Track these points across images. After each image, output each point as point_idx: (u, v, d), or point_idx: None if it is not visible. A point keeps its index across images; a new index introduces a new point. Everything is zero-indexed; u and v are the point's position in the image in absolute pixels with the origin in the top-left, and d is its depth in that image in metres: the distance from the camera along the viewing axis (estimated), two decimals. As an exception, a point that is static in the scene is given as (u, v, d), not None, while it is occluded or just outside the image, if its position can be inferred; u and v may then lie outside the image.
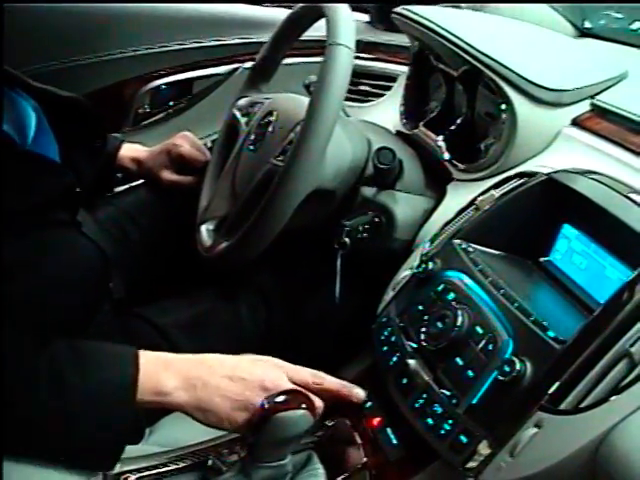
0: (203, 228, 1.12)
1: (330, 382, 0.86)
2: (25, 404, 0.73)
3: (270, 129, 1.12)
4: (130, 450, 0.78)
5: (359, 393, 0.88)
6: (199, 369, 0.81)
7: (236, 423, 0.81)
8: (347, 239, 1.05)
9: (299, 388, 0.83)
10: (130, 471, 0.85)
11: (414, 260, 0.99)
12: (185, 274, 1.19)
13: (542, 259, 0.95)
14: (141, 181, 1.36)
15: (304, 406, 0.78)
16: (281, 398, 0.79)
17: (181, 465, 0.88)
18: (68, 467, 0.77)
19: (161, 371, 0.79)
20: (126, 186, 1.38)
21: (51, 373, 0.74)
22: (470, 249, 0.93)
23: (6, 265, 0.83)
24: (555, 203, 0.92)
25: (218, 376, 0.80)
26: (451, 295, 0.87)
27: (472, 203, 0.99)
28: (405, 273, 0.99)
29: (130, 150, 1.32)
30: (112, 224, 1.24)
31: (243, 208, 1.05)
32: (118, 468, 0.79)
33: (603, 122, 1.01)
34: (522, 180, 0.96)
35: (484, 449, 0.76)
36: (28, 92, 0.95)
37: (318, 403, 0.83)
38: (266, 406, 0.78)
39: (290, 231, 0.98)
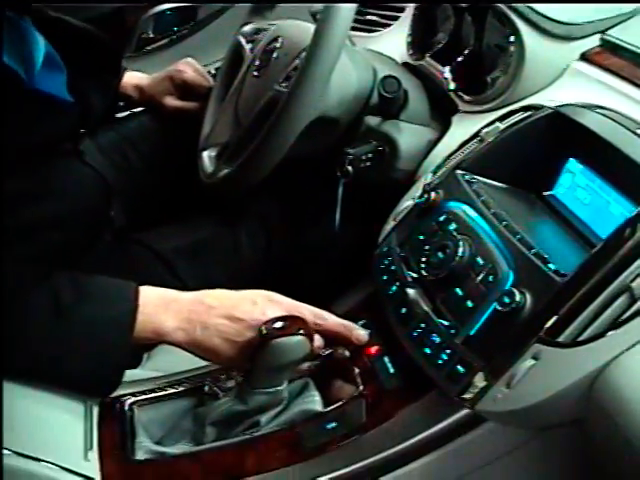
0: (205, 155, 1.11)
1: (331, 322, 0.85)
2: (26, 333, 0.73)
3: (275, 55, 1.10)
4: (127, 374, 0.78)
5: (360, 334, 0.87)
6: (198, 309, 0.80)
7: (235, 362, 0.80)
8: (350, 167, 1.03)
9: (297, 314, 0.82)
10: (126, 395, 0.85)
11: (416, 190, 0.98)
12: (186, 201, 1.18)
13: (545, 193, 0.93)
14: (143, 108, 1.34)
15: (302, 332, 0.78)
16: (279, 324, 0.78)
17: (177, 390, 0.88)
18: (68, 393, 0.78)
19: (161, 312, 0.78)
20: (128, 113, 1.36)
21: (52, 304, 0.74)
22: (473, 180, 0.91)
23: (8, 198, 0.82)
24: (561, 137, 0.90)
25: (217, 316, 0.80)
26: (452, 226, 0.86)
27: (476, 135, 0.97)
28: (407, 203, 0.98)
29: (133, 78, 1.30)
30: (113, 151, 1.23)
31: (245, 135, 1.04)
32: (115, 392, 0.80)
33: (612, 57, 0.98)
34: (528, 113, 0.94)
35: (480, 380, 0.75)
36: (40, 21, 0.91)
37: (318, 342, 0.83)
38: (264, 332, 0.78)
39: (292, 159, 0.97)
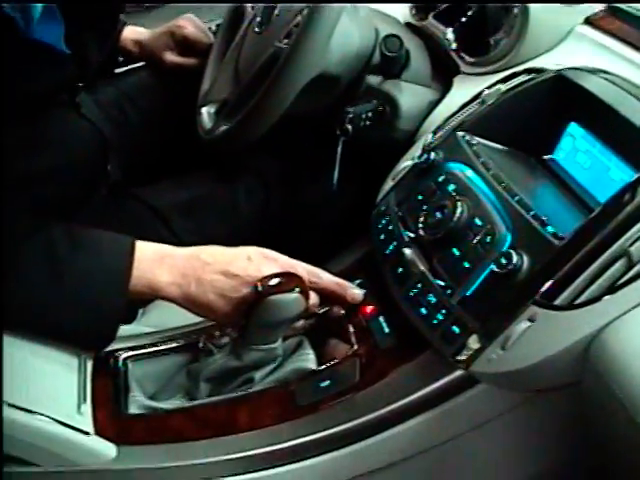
0: (204, 110, 1.10)
1: (326, 281, 0.85)
2: (22, 285, 0.72)
3: (276, 12, 1.09)
4: (122, 330, 0.78)
5: (355, 294, 0.87)
6: (194, 264, 0.79)
7: (230, 318, 0.80)
8: (349, 126, 1.02)
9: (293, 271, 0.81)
10: (121, 349, 0.85)
11: (416, 151, 0.97)
12: (184, 157, 1.17)
13: (545, 157, 0.92)
14: (142, 63, 1.32)
15: (297, 289, 0.78)
16: (275, 281, 0.78)
17: (172, 345, 0.88)
18: (62, 346, 0.78)
19: (156, 266, 0.77)
20: (127, 68, 1.34)
21: (48, 255, 0.73)
22: (473, 142, 0.91)
23: (5, 150, 0.81)
24: (563, 101, 0.89)
25: (212, 272, 0.79)
26: (451, 186, 0.85)
27: (478, 97, 0.96)
28: (406, 163, 0.97)
29: (132, 32, 1.28)
30: (111, 106, 1.21)
31: (245, 91, 1.02)
32: (109, 346, 0.79)
33: (617, 22, 0.98)
34: (530, 76, 0.93)
35: (475, 341, 0.74)
36: None
37: (313, 300, 0.82)
38: (259, 289, 0.77)
39: (292, 116, 0.96)
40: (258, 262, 0.80)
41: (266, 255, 0.82)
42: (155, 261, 0.78)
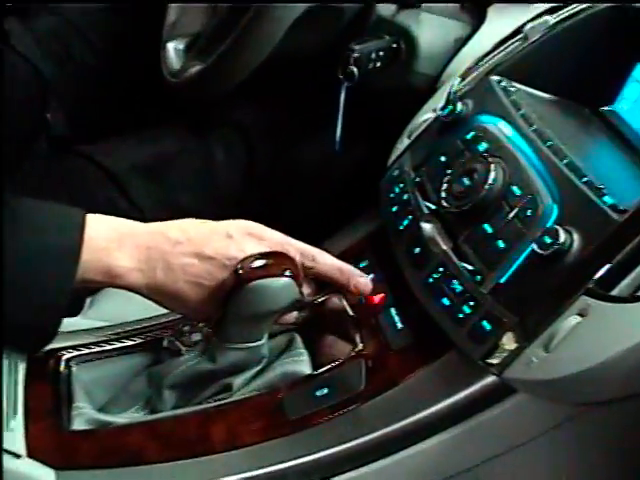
0: (170, 47, 1.10)
1: (325, 265, 0.84)
2: None
3: None
4: (65, 324, 0.76)
5: (360, 282, 0.86)
6: (161, 245, 0.78)
7: (204, 311, 0.80)
8: (355, 68, 1.02)
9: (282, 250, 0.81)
10: (63, 349, 0.85)
11: (439, 100, 0.97)
12: (145, 106, 1.16)
13: (604, 108, 0.94)
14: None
15: (288, 273, 0.78)
16: (259, 262, 0.77)
17: (128, 344, 0.88)
18: None
19: (113, 247, 0.76)
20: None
21: None
22: (512, 89, 0.91)
23: None
24: (627, 36, 0.90)
25: (184, 254, 0.78)
26: (483, 145, 0.86)
27: (518, 31, 0.97)
28: (426, 116, 0.98)
29: None
30: (53, 39, 1.20)
31: (223, 23, 1.03)
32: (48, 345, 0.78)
33: None
34: (586, 5, 0.94)
35: (511, 340, 0.74)
36: None
37: (308, 287, 0.83)
38: (240, 272, 0.77)
39: (282, 56, 0.97)
40: (241, 241, 0.80)
41: (251, 231, 0.81)
42: (112, 240, 0.77)
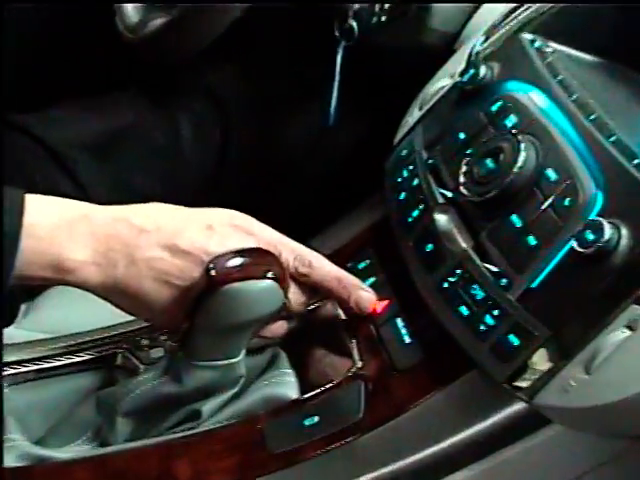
0: None
1: (322, 273, 0.85)
2: None
3: None
4: None
5: (363, 299, 0.87)
6: (123, 234, 0.78)
7: (172, 318, 0.80)
8: (354, 23, 1.02)
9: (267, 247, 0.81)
10: None
11: (457, 63, 0.98)
12: (95, 68, 1.16)
13: None
14: None
15: (270, 274, 0.78)
16: (236, 261, 0.78)
17: (73, 360, 0.88)
18: None
19: (63, 236, 0.76)
20: None
21: None
22: (547, 49, 0.91)
23: None
24: None
25: (151, 246, 0.79)
26: (512, 119, 0.86)
27: None
28: (442, 83, 0.98)
29: None
30: None
31: None
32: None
33: None
34: None
35: (544, 358, 0.74)
36: None
37: (296, 294, 0.84)
38: (212, 272, 0.77)
39: (267, 9, 0.98)
40: (224, 233, 0.80)
41: (237, 224, 0.82)
42: (61, 227, 0.76)
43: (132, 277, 0.78)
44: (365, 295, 0.87)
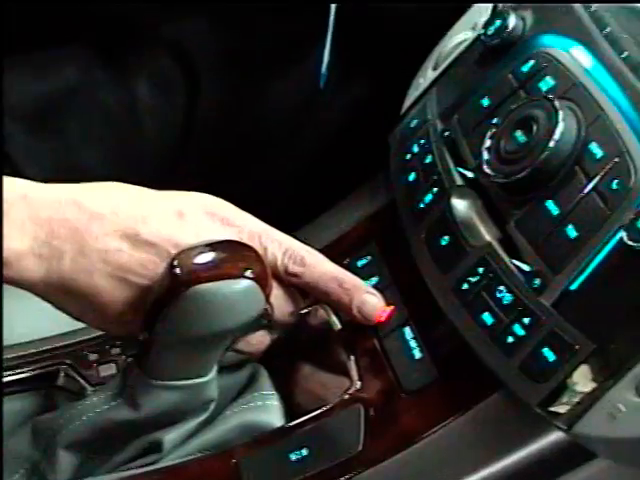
0: None
1: (318, 272, 0.86)
2: None
3: None
4: None
5: (368, 305, 0.87)
6: (72, 218, 0.78)
7: (131, 324, 0.81)
8: None
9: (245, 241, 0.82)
10: None
11: (480, 13, 0.98)
12: (29, 16, 1.15)
13: None
14: None
15: (249, 273, 0.78)
16: (207, 256, 0.78)
17: (7, 379, 0.88)
18: None
19: None
20: None
21: None
22: None
23: None
24: None
25: (107, 235, 0.79)
26: (548, 81, 0.86)
27: None
28: (461, 37, 0.99)
29: None
30: None
31: None
32: None
33: None
34: None
35: (586, 377, 0.74)
36: None
37: (284, 305, 0.84)
38: (176, 270, 0.77)
39: None
40: (196, 223, 0.81)
41: (215, 211, 0.82)
42: None
43: (81, 272, 0.78)
44: (371, 300, 0.87)
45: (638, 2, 0.94)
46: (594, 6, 0.90)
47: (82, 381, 0.85)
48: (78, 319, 0.82)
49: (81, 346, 0.88)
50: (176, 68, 1.13)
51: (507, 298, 0.79)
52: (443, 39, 1.02)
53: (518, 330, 0.77)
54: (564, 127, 0.80)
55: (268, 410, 0.85)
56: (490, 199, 0.85)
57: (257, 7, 1.16)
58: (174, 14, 1.12)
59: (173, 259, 0.77)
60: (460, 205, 0.86)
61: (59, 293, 0.79)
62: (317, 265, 0.85)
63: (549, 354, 0.75)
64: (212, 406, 0.84)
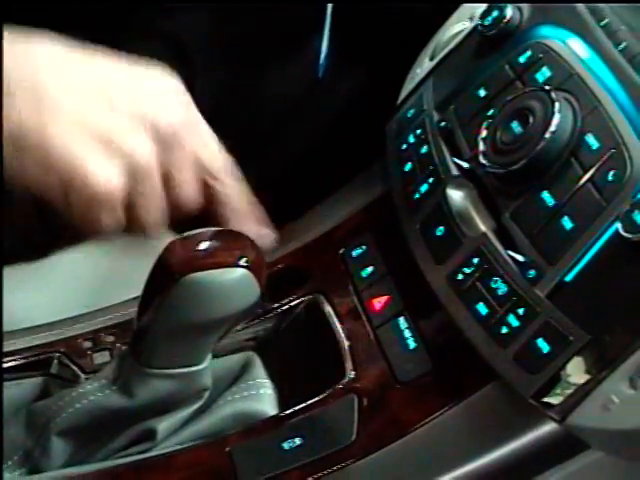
0: None
1: (231, 191, 0.86)
2: None
3: None
4: None
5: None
6: (34, 66, 0.78)
7: (101, 218, 0.79)
8: None
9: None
10: None
11: (478, 3, 0.98)
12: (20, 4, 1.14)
13: None
14: None
15: (244, 262, 0.78)
16: (202, 245, 0.78)
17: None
18: None
19: None
20: None
21: None
22: None
23: None
24: None
25: (70, 88, 0.79)
26: (544, 72, 0.86)
27: None
28: (458, 27, 0.99)
29: None
30: None
31: None
32: None
33: None
34: None
35: (579, 369, 0.74)
36: None
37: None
38: (171, 259, 0.77)
39: None
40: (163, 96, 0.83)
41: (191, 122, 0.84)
42: None
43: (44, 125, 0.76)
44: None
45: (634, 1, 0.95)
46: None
47: (76, 369, 0.85)
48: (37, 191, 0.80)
49: (70, 334, 0.88)
50: (171, 58, 1.13)
51: (502, 289, 0.79)
52: (440, 29, 1.01)
53: (512, 321, 0.78)
54: (560, 118, 0.80)
55: (262, 399, 0.85)
56: (486, 190, 0.85)
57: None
58: (171, 7, 1.12)
59: (167, 247, 0.77)
60: (456, 195, 0.86)
61: (14, 150, 0.77)
62: (231, 182, 0.87)
63: (543, 345, 0.75)
64: (206, 394, 0.84)
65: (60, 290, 0.97)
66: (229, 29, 1.15)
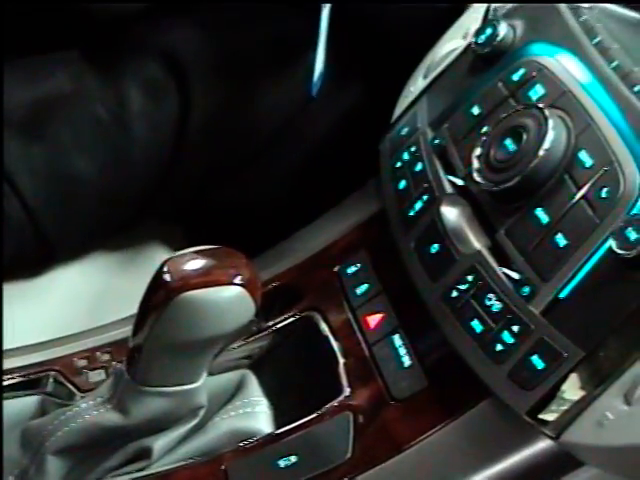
0: None
1: None
2: None
3: None
4: None
5: None
6: None
7: None
8: None
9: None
10: None
11: (472, 21, 0.99)
12: (20, 22, 1.14)
13: None
14: None
15: (239, 280, 0.78)
16: (197, 263, 0.78)
17: None
18: None
19: None
20: None
21: None
22: (583, 5, 0.91)
23: None
24: None
25: None
26: (538, 90, 0.86)
27: None
28: (452, 45, 0.99)
29: None
30: None
31: None
32: None
33: None
34: None
35: (574, 386, 0.74)
36: None
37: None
38: (167, 277, 0.77)
39: None
40: None
41: None
42: None
43: None
44: None
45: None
46: (584, 15, 0.89)
47: (71, 387, 0.84)
48: None
49: (71, 354, 0.88)
50: (167, 75, 1.12)
51: (496, 306, 0.80)
52: (434, 48, 1.02)
53: (507, 338, 0.78)
54: (554, 136, 0.80)
55: (257, 417, 0.85)
56: (480, 207, 0.85)
57: (249, 14, 1.17)
58: (165, 21, 1.12)
59: (163, 265, 0.77)
60: (450, 213, 0.86)
61: None
62: None
63: (538, 362, 0.75)
64: (201, 412, 0.84)
65: (56, 308, 0.97)
66: (223, 45, 1.16)
